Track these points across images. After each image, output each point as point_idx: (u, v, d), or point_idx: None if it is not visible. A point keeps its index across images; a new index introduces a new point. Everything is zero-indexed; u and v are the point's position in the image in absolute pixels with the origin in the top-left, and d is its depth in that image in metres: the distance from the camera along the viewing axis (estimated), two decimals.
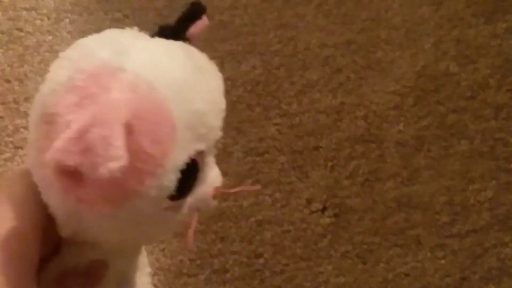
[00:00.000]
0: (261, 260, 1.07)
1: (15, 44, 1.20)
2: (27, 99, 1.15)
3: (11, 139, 1.12)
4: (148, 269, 0.64)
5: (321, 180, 1.13)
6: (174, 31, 0.55)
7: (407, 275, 1.08)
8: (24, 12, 1.22)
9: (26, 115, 1.14)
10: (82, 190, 0.45)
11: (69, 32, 1.20)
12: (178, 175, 0.50)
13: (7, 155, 1.11)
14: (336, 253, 1.09)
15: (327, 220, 1.10)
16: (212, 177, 0.55)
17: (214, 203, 0.56)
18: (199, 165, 0.53)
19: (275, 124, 1.17)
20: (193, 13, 0.57)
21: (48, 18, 1.22)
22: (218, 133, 0.54)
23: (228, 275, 1.05)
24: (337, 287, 1.07)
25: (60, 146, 0.44)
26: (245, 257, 1.07)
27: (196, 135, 0.51)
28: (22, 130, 1.13)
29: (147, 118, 0.47)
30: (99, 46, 0.50)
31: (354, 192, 1.13)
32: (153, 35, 0.54)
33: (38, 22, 1.22)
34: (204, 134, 0.51)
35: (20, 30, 1.21)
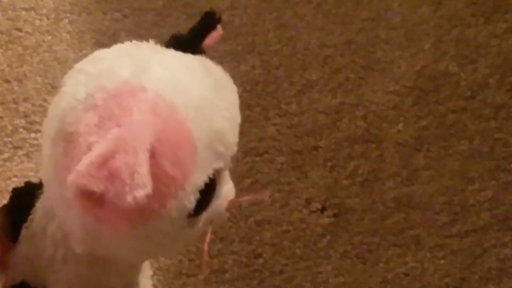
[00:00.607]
0: (260, 260, 1.07)
1: (14, 44, 1.20)
2: (26, 99, 1.15)
3: (10, 139, 1.12)
4: (150, 272, 0.64)
5: (321, 180, 1.13)
6: (190, 42, 0.55)
7: (406, 275, 1.08)
8: (23, 12, 1.22)
9: (25, 115, 1.13)
10: (102, 211, 0.45)
11: (68, 32, 1.19)
12: (198, 195, 0.50)
13: (6, 155, 1.11)
14: (335, 253, 1.08)
15: (327, 220, 1.10)
16: (227, 190, 0.55)
17: (227, 214, 0.56)
18: (217, 182, 0.52)
19: (274, 124, 1.17)
20: (208, 24, 0.56)
21: (47, 18, 1.22)
22: (235, 149, 0.54)
23: (227, 275, 1.05)
24: (337, 287, 1.07)
25: (83, 170, 0.43)
26: (244, 257, 1.07)
27: (215, 153, 0.50)
28: (21, 130, 1.12)
29: (168, 141, 0.46)
30: (118, 62, 0.49)
31: (353, 192, 1.13)
32: (167, 45, 0.54)
33: (37, 22, 1.21)
34: (222, 152, 0.51)
35: (19, 30, 1.21)
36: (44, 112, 1.12)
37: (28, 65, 1.18)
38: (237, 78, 1.17)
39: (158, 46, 0.53)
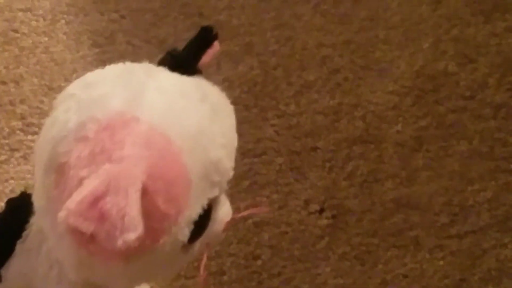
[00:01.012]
0: (259, 262, 1.07)
1: (10, 46, 1.19)
2: (23, 101, 1.14)
3: (7, 141, 1.12)
4: None
5: (319, 181, 1.13)
6: (186, 61, 0.53)
7: (405, 276, 1.08)
8: (20, 13, 1.22)
9: (22, 117, 1.13)
10: (94, 246, 0.44)
11: (65, 33, 1.19)
12: (192, 227, 0.49)
13: (3, 157, 1.10)
14: (334, 254, 1.08)
15: (325, 222, 1.10)
16: (223, 213, 0.54)
17: (223, 235, 0.55)
18: (212, 209, 0.51)
19: (272, 125, 1.16)
20: (205, 41, 0.55)
21: (44, 19, 1.21)
22: (231, 173, 0.52)
23: (225, 277, 1.05)
24: None
25: (73, 209, 0.42)
26: (243, 259, 1.06)
27: (211, 183, 0.49)
28: (18, 132, 1.12)
29: (162, 177, 0.45)
30: (110, 90, 0.48)
31: (352, 193, 1.12)
32: (162, 63, 0.52)
33: (33, 23, 1.21)
34: (218, 181, 0.50)
35: (16, 31, 1.21)
36: (41, 114, 1.12)
37: (24, 66, 1.17)
38: (235, 79, 1.17)
39: (153, 67, 0.51)
